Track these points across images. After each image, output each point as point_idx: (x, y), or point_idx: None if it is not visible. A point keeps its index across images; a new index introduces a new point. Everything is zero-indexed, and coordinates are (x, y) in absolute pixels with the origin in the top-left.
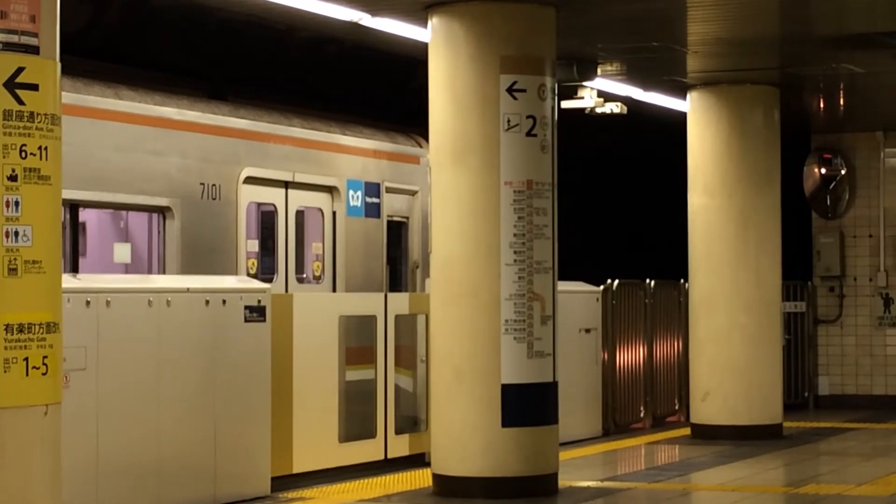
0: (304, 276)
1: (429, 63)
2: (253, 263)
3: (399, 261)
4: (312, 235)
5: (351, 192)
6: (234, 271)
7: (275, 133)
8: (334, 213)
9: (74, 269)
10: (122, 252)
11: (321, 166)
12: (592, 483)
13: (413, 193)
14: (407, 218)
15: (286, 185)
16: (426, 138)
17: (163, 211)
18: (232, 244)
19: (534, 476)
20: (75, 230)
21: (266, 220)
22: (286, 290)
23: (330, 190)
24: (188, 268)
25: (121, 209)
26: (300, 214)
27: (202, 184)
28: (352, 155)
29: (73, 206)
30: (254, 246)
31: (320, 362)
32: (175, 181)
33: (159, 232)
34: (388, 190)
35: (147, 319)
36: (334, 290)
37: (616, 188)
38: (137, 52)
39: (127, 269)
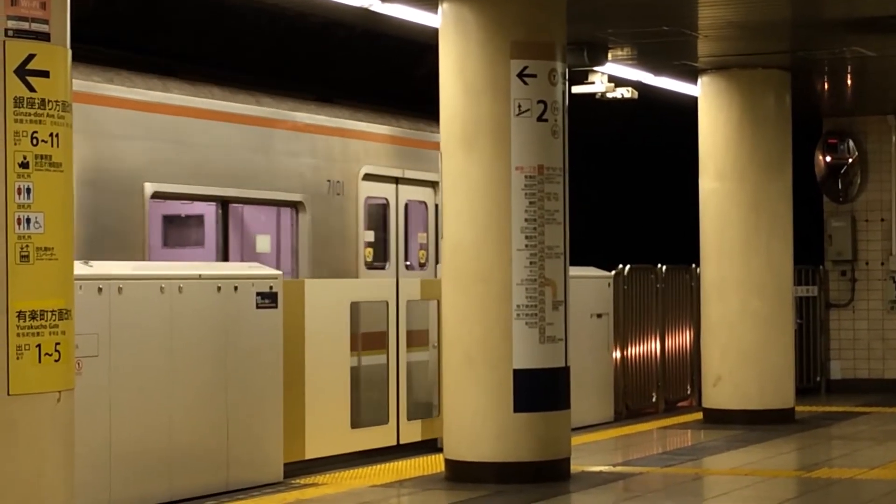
0: (410, 263)
1: (439, 49)
2: (370, 252)
3: None
4: (418, 226)
5: None
6: (355, 260)
7: (388, 134)
8: (437, 206)
9: (225, 259)
10: (263, 243)
11: (426, 163)
12: (604, 468)
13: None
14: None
15: (396, 180)
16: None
17: (296, 206)
18: (353, 235)
19: (546, 461)
20: (225, 224)
21: (379, 213)
22: (397, 277)
23: (433, 185)
24: (317, 256)
25: (262, 204)
26: (407, 207)
27: (328, 181)
28: None
29: (224, 203)
30: (370, 236)
31: (332, 348)
32: (306, 179)
33: (293, 224)
34: None
35: (159, 306)
36: (436, 276)
37: (627, 173)
38: (241, 57)
39: (267, 258)
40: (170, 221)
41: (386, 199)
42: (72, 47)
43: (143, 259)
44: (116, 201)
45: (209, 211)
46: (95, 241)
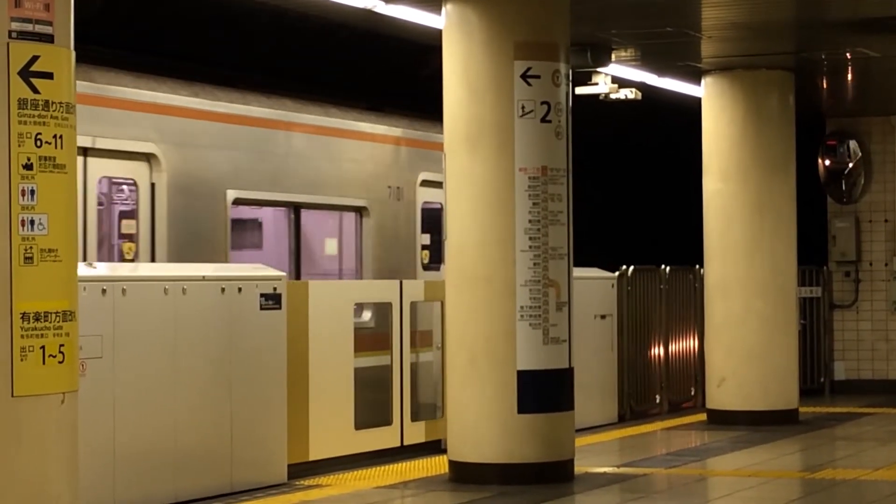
0: None
1: (443, 50)
2: (426, 254)
3: None
4: None
5: None
6: (413, 262)
7: (440, 142)
8: None
9: (297, 261)
10: (332, 246)
11: None
12: (608, 469)
13: None
14: None
15: None
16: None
17: (360, 210)
18: (412, 238)
19: (550, 462)
20: (298, 228)
21: (435, 217)
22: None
23: None
24: (379, 258)
25: (331, 209)
26: None
27: (389, 187)
28: None
29: (296, 208)
30: (426, 239)
31: (336, 349)
32: (369, 185)
33: (357, 228)
34: None
35: (163, 308)
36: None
37: (630, 174)
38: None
39: (333, 260)
40: (233, 225)
41: (440, 204)
42: (144, 57)
43: (226, 261)
44: (204, 207)
45: (266, 216)
46: (186, 244)
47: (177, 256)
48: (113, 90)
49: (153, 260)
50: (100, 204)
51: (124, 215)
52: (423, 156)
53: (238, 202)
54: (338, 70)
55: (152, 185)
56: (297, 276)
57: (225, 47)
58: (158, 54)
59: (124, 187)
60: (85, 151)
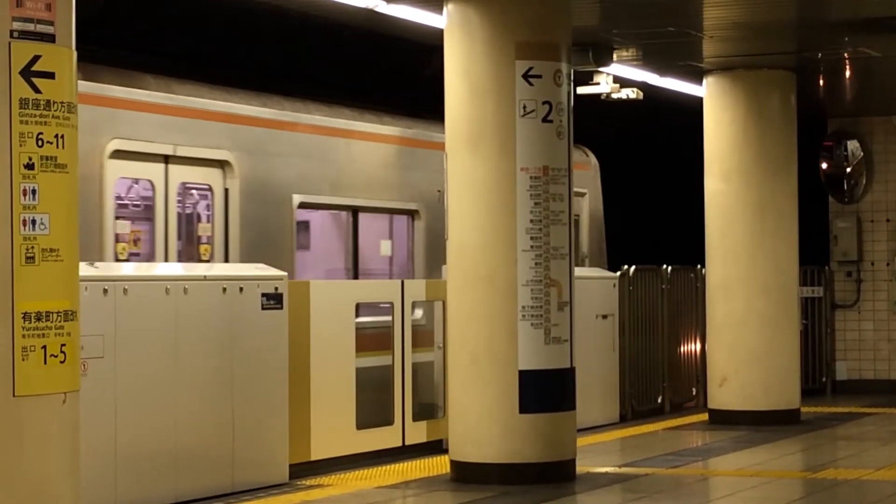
0: None
1: (444, 49)
2: None
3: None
4: None
5: None
6: None
7: None
8: None
9: (355, 262)
10: (386, 247)
11: None
12: (610, 469)
13: (582, 195)
14: (578, 215)
15: None
16: (591, 150)
17: (412, 213)
18: None
19: (551, 462)
20: (356, 230)
21: None
22: None
23: None
24: (430, 258)
25: (386, 213)
26: None
27: (438, 190)
28: None
29: (354, 211)
30: None
31: (338, 349)
32: (420, 189)
33: (409, 230)
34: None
35: (164, 307)
36: None
37: (632, 174)
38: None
39: (385, 260)
40: (298, 227)
41: None
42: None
43: (292, 262)
44: (272, 211)
45: (327, 219)
46: (255, 246)
47: (247, 257)
48: (192, 101)
49: (226, 262)
50: (179, 208)
51: (200, 219)
52: None
53: (302, 206)
54: (392, 82)
55: (226, 190)
56: (356, 276)
57: (289, 61)
58: (228, 67)
59: (201, 192)
60: (166, 159)
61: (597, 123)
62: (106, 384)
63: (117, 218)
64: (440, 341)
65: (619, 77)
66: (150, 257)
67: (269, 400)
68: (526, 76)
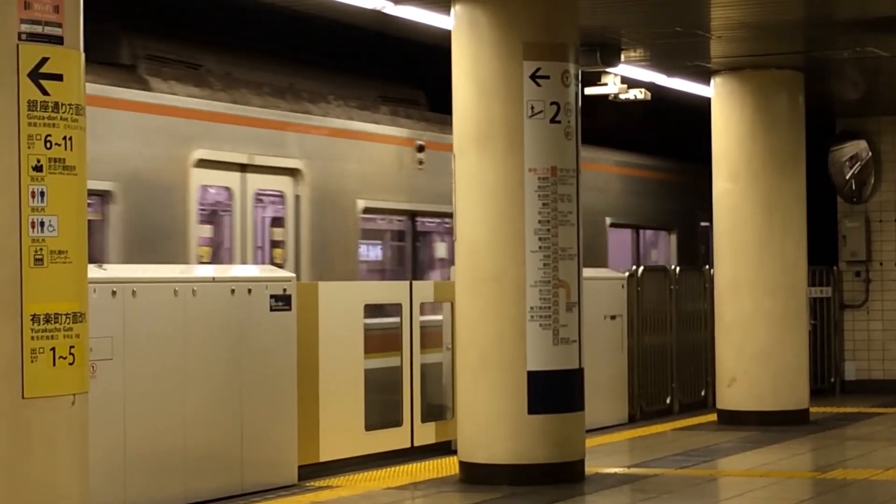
0: None
1: (452, 50)
2: None
3: None
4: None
5: None
6: None
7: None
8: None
9: (415, 265)
10: (441, 249)
11: (593, 181)
12: (619, 469)
13: None
14: None
15: None
16: None
17: None
18: None
19: (560, 463)
20: (414, 233)
21: None
22: None
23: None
24: None
25: (440, 217)
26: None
27: None
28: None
29: (413, 216)
30: None
31: (346, 350)
32: None
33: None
34: None
35: (173, 309)
36: None
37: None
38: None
39: (442, 261)
40: (362, 232)
41: None
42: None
43: (355, 264)
44: (339, 216)
45: (388, 223)
46: (324, 249)
47: (317, 260)
48: (267, 112)
49: (297, 264)
50: (255, 214)
51: (274, 223)
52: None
53: (367, 211)
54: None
55: (297, 196)
56: (414, 277)
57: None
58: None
59: (275, 199)
60: (243, 168)
61: (605, 123)
62: (115, 386)
63: (199, 223)
64: (448, 342)
65: (626, 77)
66: (229, 260)
67: (277, 401)
68: (534, 77)
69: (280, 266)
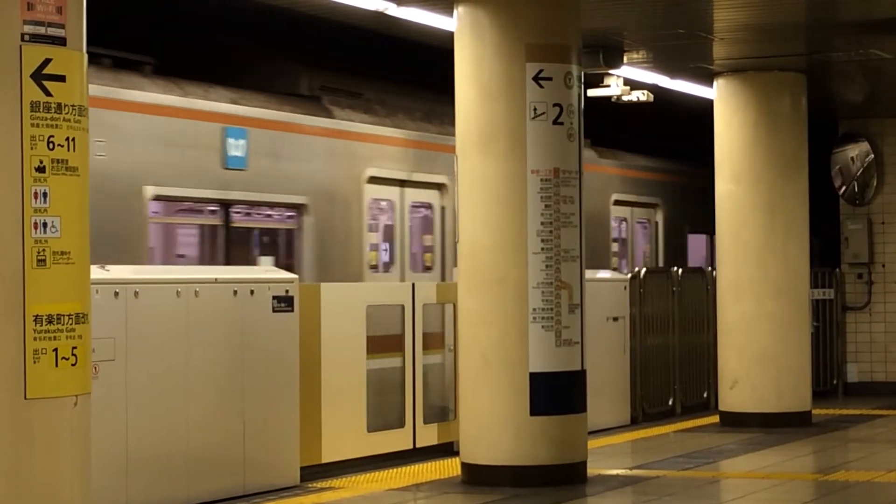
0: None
1: (455, 52)
2: (615, 260)
3: None
4: (643, 238)
5: None
6: (607, 262)
7: (632, 168)
8: (656, 223)
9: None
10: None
11: (651, 190)
12: (621, 471)
13: (443, 186)
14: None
15: (632, 204)
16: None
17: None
18: (607, 245)
19: (563, 464)
20: None
21: (622, 229)
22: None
23: (653, 206)
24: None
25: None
26: (635, 224)
27: (594, 205)
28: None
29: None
30: (616, 247)
31: (349, 351)
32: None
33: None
34: None
35: (175, 310)
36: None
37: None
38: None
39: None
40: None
41: (626, 218)
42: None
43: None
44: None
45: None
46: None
47: (451, 264)
48: (419, 135)
49: (443, 269)
50: (410, 224)
51: (424, 231)
52: (619, 180)
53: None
54: None
55: (442, 208)
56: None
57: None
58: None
59: (425, 210)
60: (402, 183)
61: (609, 125)
62: (117, 387)
63: (368, 231)
64: (451, 343)
65: (629, 79)
66: (391, 263)
67: (280, 402)
68: (536, 78)
69: (430, 269)
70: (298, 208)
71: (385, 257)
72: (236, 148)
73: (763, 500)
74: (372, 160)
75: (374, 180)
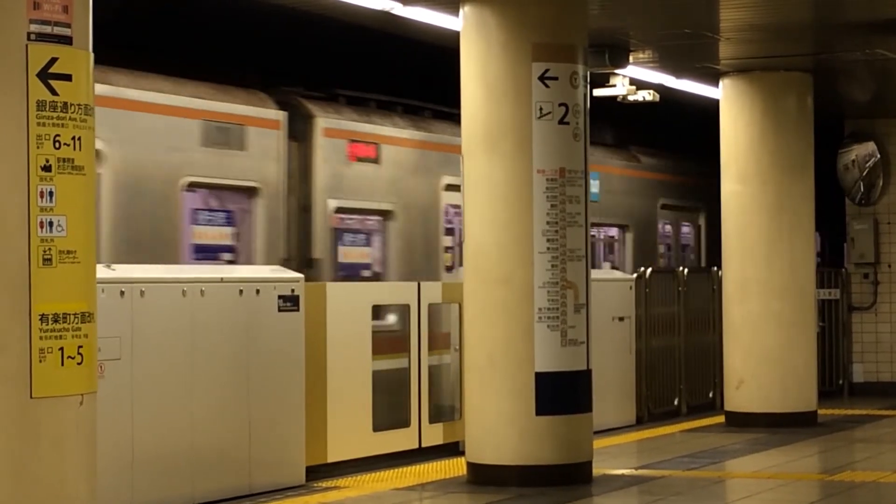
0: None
1: (461, 51)
2: (661, 260)
3: None
4: (690, 241)
5: None
6: (656, 262)
7: (680, 175)
8: (699, 227)
9: (592, 261)
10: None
11: (695, 196)
12: (627, 471)
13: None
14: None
15: (678, 209)
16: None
17: (624, 227)
18: (654, 246)
19: (568, 464)
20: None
21: (669, 233)
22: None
23: (697, 211)
24: (636, 260)
25: (608, 226)
26: (682, 228)
27: (642, 210)
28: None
29: (623, 228)
30: (663, 249)
31: (354, 351)
32: (631, 209)
33: (622, 240)
34: None
35: (181, 309)
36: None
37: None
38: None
39: (610, 260)
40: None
41: (671, 222)
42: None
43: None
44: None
45: None
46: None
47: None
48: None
49: None
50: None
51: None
52: (665, 186)
53: None
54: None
55: None
56: None
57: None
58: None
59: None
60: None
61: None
62: (123, 386)
63: (445, 234)
64: (456, 343)
65: (635, 79)
66: (458, 263)
67: (285, 402)
68: (542, 78)
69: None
70: (384, 214)
71: (455, 258)
72: None
73: (769, 500)
74: (447, 168)
75: (449, 188)
